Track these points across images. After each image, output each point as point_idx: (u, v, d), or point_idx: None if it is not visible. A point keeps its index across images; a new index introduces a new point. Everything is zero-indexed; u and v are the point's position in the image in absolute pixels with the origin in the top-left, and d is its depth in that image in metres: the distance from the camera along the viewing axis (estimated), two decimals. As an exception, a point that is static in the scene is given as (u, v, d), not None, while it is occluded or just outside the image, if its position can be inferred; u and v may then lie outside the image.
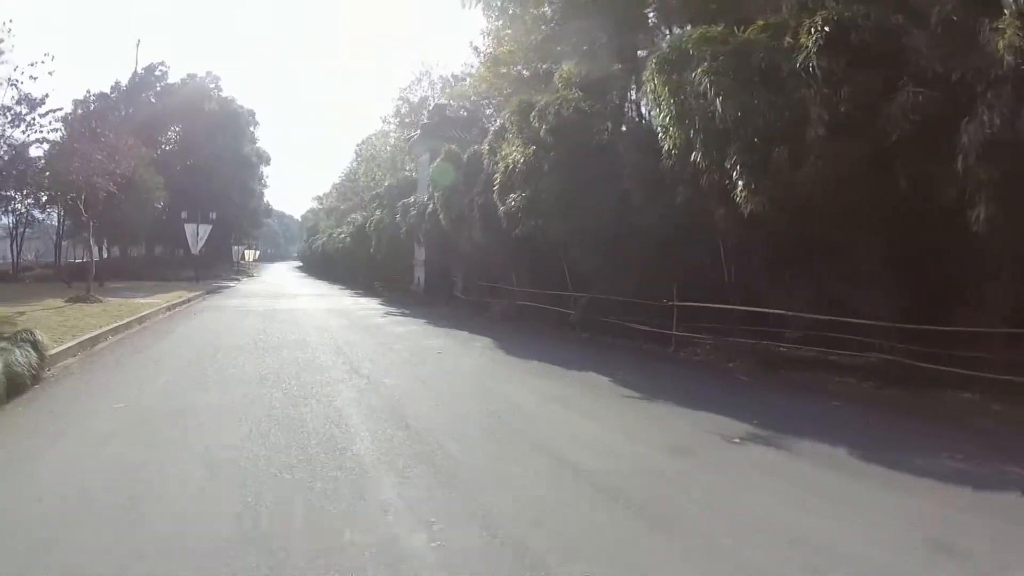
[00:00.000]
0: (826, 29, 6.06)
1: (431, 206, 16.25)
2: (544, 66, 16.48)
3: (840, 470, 4.23)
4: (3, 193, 27.91)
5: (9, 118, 20.37)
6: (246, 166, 42.59)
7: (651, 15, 14.55)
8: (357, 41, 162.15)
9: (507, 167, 11.07)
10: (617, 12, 13.12)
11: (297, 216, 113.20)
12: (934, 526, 3.26)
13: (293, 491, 3.57)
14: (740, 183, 6.48)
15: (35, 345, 6.85)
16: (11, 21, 17.71)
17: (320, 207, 68.03)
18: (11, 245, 34.51)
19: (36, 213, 34.61)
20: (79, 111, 37.63)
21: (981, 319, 6.30)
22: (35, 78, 19.39)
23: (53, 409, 5.53)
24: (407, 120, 36.56)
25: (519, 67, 18.37)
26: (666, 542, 3.04)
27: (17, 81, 17.19)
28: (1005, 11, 5.30)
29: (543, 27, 16.78)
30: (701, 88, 6.57)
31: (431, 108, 25.93)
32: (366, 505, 3.40)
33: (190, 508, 3.32)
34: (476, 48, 23.75)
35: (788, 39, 6.54)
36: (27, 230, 33.80)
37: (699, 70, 6.66)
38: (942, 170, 5.60)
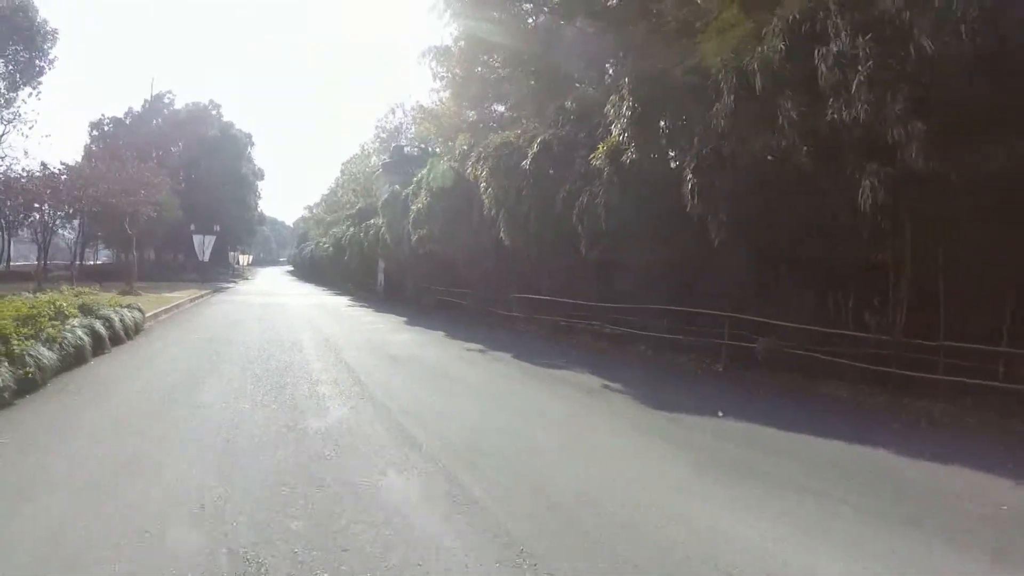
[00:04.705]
0: (537, 148, 12.09)
1: (383, 229, 22.44)
2: (465, 127, 22.71)
3: (501, 361, 10.39)
4: (35, 205, 33.83)
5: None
6: (243, 183, 48.62)
7: (576, 77, 20.30)
8: (354, 47, 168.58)
9: (418, 208, 17.31)
10: (542, 82, 18.99)
11: (288, 222, 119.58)
12: (524, 381, 9.41)
13: (279, 352, 9.76)
14: (502, 227, 12.72)
15: (140, 310, 13.00)
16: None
17: (310, 216, 74.32)
18: (39, 250, 40.95)
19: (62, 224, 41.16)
20: (95, 132, 44.05)
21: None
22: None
23: (162, 336, 11.73)
24: (384, 145, 42.99)
25: (464, 111, 24.30)
26: (412, 379, 9.18)
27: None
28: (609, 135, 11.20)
29: (472, 89, 22.91)
30: (483, 175, 12.83)
31: (392, 148, 32.27)
32: (302, 356, 9.56)
33: (240, 355, 9.51)
34: (421, 105, 30.14)
35: (528, 148, 12.66)
36: (50, 237, 39.76)
37: (487, 164, 12.87)
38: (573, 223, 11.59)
